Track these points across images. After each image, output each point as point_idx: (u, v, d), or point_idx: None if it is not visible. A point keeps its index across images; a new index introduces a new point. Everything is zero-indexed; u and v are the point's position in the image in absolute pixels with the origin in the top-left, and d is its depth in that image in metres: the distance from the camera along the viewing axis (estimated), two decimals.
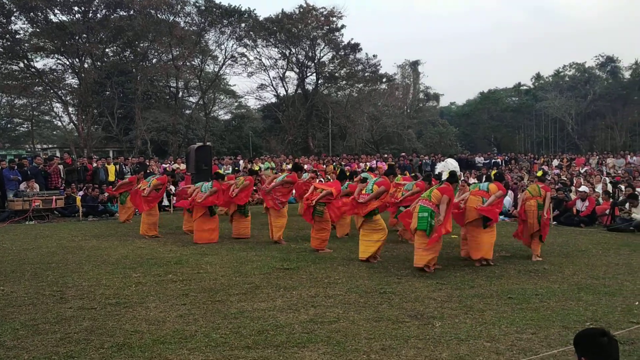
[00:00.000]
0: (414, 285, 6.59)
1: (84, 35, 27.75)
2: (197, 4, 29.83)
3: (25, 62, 28.05)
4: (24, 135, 37.25)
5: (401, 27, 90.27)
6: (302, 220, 11.08)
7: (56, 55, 28.57)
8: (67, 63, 28.71)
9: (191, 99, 36.11)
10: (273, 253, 8.87)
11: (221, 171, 13.74)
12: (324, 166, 21.50)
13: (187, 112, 34.84)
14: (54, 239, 10.85)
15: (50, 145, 37.13)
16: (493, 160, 25.91)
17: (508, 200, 13.83)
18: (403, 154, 27.08)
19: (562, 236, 10.88)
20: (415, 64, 43.00)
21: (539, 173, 18.28)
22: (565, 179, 17.21)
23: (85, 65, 28.29)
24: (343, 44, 33.29)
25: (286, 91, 35.01)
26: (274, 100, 36.62)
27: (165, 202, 16.02)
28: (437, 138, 40.18)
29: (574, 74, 43.80)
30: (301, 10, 32.05)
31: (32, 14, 26.39)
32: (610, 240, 10.41)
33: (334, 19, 32.34)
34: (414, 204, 7.81)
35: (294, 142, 34.08)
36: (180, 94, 34.12)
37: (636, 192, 12.52)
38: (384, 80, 37.04)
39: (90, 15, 27.99)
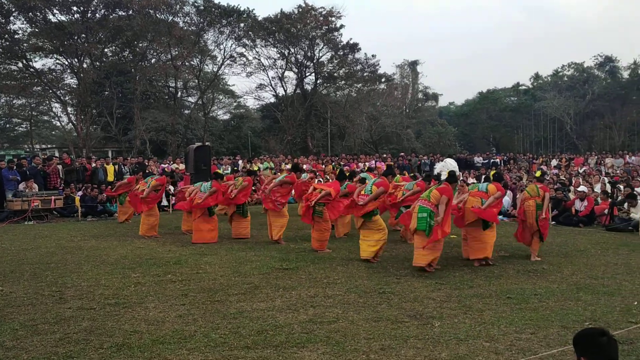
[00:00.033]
0: (413, 285, 6.60)
1: (83, 35, 27.73)
2: (196, 4, 29.86)
3: (24, 62, 27.99)
4: (23, 135, 37.16)
5: (400, 27, 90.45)
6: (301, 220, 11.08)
7: (55, 55, 28.52)
8: (66, 63, 28.67)
9: (190, 99, 36.08)
10: (272, 253, 8.88)
11: (220, 171, 13.74)
12: (323, 166, 21.49)
13: (186, 112, 34.77)
14: (53, 239, 10.83)
15: (49, 145, 37.06)
16: (492, 160, 25.89)
17: (507, 200, 13.84)
18: (402, 153, 27.04)
19: (561, 236, 10.89)
20: (414, 64, 42.98)
21: (538, 173, 18.38)
22: (564, 178, 17.23)
23: (84, 65, 28.27)
24: (342, 43, 33.29)
25: (285, 91, 35.03)
26: (272, 100, 36.61)
27: (165, 203, 16.01)
28: (436, 138, 40.18)
29: (573, 73, 43.85)
30: (300, 10, 32.02)
31: (30, 13, 26.37)
32: (608, 240, 10.43)
33: (333, 18, 32.32)
34: (414, 204, 7.81)
35: (292, 142, 34.06)
36: (179, 94, 34.07)
37: (635, 192, 12.55)
38: (383, 80, 37.05)
39: (89, 15, 27.97)
